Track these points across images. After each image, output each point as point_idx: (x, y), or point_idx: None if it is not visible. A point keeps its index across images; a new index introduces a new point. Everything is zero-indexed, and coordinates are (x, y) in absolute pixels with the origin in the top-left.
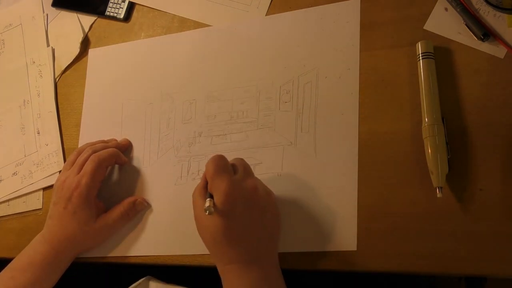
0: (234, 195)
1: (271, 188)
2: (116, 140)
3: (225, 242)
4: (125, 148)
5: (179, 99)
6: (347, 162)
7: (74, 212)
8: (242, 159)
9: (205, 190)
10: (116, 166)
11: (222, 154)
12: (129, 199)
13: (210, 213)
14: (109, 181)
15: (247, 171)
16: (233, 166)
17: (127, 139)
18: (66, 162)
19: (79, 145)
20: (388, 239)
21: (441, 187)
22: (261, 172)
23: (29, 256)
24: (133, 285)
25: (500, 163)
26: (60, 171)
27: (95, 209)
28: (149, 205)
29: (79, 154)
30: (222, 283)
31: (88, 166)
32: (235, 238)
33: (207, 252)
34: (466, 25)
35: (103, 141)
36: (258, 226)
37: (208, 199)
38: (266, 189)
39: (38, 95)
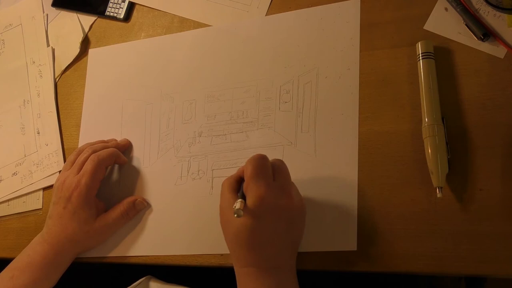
0: (268, 202)
1: None
2: (116, 140)
3: (247, 245)
4: (125, 148)
5: (179, 99)
6: (347, 162)
7: (74, 212)
8: (282, 162)
9: (237, 184)
10: (116, 166)
11: (264, 154)
12: (129, 199)
13: (238, 216)
14: (109, 181)
15: (286, 178)
16: (273, 167)
17: (127, 139)
18: (66, 162)
19: (79, 145)
20: (388, 239)
21: (441, 187)
22: None
23: (29, 256)
24: (133, 284)
25: (500, 163)
26: (60, 171)
27: (95, 208)
28: (149, 205)
29: (78, 154)
30: (237, 283)
31: (88, 166)
32: (258, 243)
33: (207, 252)
34: (466, 25)
35: (103, 141)
36: (283, 236)
37: (240, 200)
38: (301, 200)
39: (38, 95)
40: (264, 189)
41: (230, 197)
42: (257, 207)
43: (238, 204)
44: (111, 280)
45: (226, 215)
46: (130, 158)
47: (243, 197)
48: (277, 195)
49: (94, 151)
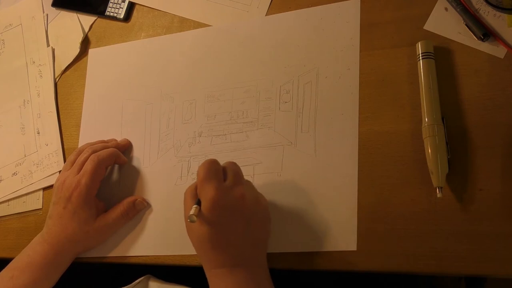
0: (220, 203)
1: (271, 189)
2: (116, 140)
3: (210, 247)
4: (125, 148)
5: (179, 99)
6: (347, 162)
7: (74, 212)
8: (234, 163)
9: (196, 191)
10: (116, 166)
11: (215, 158)
12: (129, 199)
13: (191, 221)
14: (109, 181)
15: (237, 177)
16: (224, 170)
17: (127, 139)
18: (66, 162)
19: (79, 145)
20: (388, 239)
21: (441, 187)
22: (261, 172)
23: (29, 256)
24: (132, 283)
25: (500, 163)
26: (60, 171)
27: (95, 208)
28: (149, 205)
29: (79, 154)
30: (209, 286)
31: (88, 166)
32: (219, 244)
33: None
34: (466, 25)
35: (103, 141)
36: (242, 233)
37: (194, 206)
38: (255, 196)
39: (38, 95)
40: (214, 191)
41: (190, 204)
42: (210, 211)
43: (192, 210)
44: (111, 280)
45: (188, 227)
46: (130, 158)
47: (199, 203)
48: (228, 195)
49: (94, 151)
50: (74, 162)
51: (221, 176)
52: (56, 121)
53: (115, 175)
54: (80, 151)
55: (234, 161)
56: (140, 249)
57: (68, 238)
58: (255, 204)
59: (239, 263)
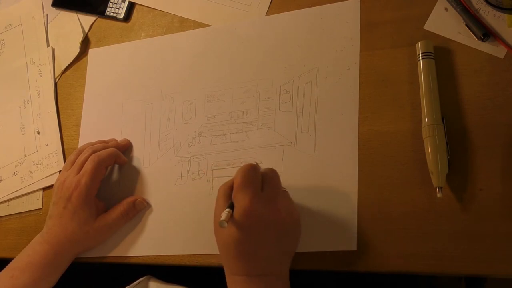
0: (254, 213)
1: None
2: (116, 140)
3: (235, 254)
4: (125, 148)
5: (179, 99)
6: (347, 162)
7: (74, 212)
8: (273, 171)
9: (231, 191)
10: (116, 166)
11: (255, 164)
12: (129, 199)
13: (222, 227)
14: (109, 181)
15: (275, 189)
16: (263, 177)
17: (127, 139)
18: (66, 162)
19: (79, 145)
20: (388, 239)
21: (441, 187)
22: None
23: (29, 255)
24: (132, 284)
25: (500, 163)
26: (60, 171)
27: (95, 208)
28: (149, 205)
29: (79, 154)
30: None
31: (88, 166)
32: (246, 252)
33: (207, 252)
34: (466, 25)
35: (103, 141)
36: (272, 247)
37: (227, 210)
38: (290, 210)
39: (38, 95)
40: (249, 201)
41: (223, 204)
42: (242, 219)
43: (224, 215)
44: (111, 280)
45: (216, 230)
46: (130, 158)
47: (232, 206)
48: (264, 207)
49: (94, 151)
50: (74, 162)
51: (259, 185)
52: (56, 121)
53: (115, 175)
54: (80, 151)
55: (273, 168)
56: (140, 249)
57: (68, 238)
58: (289, 218)
59: (262, 273)
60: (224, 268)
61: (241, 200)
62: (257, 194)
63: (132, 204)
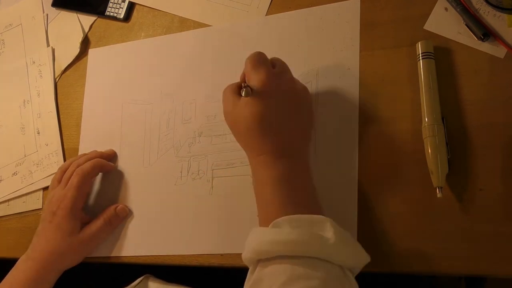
0: (272, 84)
1: None
2: (97, 151)
3: (259, 131)
4: (110, 157)
5: (179, 99)
6: (347, 162)
7: (58, 225)
8: (279, 58)
9: (239, 89)
10: (116, 166)
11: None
12: (111, 207)
13: (247, 95)
14: (109, 182)
15: (285, 67)
16: (272, 62)
17: (112, 150)
18: (52, 180)
19: (79, 145)
20: (388, 239)
21: (441, 187)
22: None
23: (13, 275)
24: (133, 284)
25: (500, 163)
26: None
27: (80, 220)
28: (131, 212)
29: (64, 171)
30: (252, 175)
31: (74, 180)
32: (270, 127)
33: (207, 252)
34: (466, 25)
35: (84, 154)
36: (292, 119)
37: (246, 85)
38: (303, 86)
39: (38, 95)
40: (265, 74)
41: (234, 98)
42: (263, 90)
43: (245, 86)
44: (111, 280)
45: (233, 114)
46: (130, 159)
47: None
48: (279, 79)
49: (78, 165)
50: (60, 179)
51: (270, 63)
52: (56, 121)
53: (115, 176)
54: (65, 168)
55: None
56: (140, 249)
57: (51, 251)
58: (304, 91)
59: (287, 152)
60: (248, 153)
61: (256, 77)
62: (271, 70)
63: (114, 212)
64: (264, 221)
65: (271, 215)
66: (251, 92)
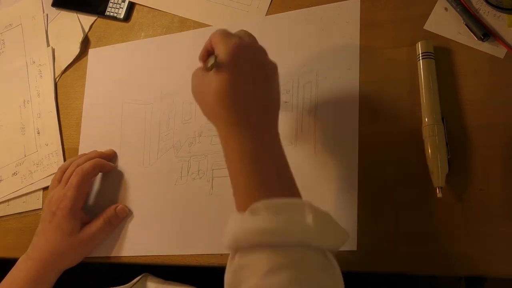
0: (243, 51)
1: None
2: (97, 151)
3: (229, 101)
4: (110, 157)
5: (179, 99)
6: (347, 162)
7: (58, 224)
8: (247, 31)
9: (204, 58)
10: (116, 166)
11: None
12: (111, 207)
13: (211, 67)
14: (109, 182)
15: (253, 37)
16: (239, 35)
17: (112, 150)
18: (52, 180)
19: (79, 145)
20: (388, 239)
21: (441, 187)
22: None
23: (13, 275)
24: (131, 282)
25: (500, 163)
26: None
27: (80, 220)
28: (131, 212)
29: (63, 171)
30: (223, 151)
31: (73, 180)
32: (240, 97)
33: (207, 252)
34: (466, 25)
35: (84, 154)
36: (263, 92)
37: (212, 56)
38: (274, 61)
39: (38, 95)
40: (237, 40)
41: (202, 73)
42: (232, 56)
43: (210, 59)
44: (111, 280)
45: (201, 84)
46: (130, 159)
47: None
48: (251, 46)
49: (78, 165)
50: (60, 179)
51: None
52: (56, 121)
53: (115, 176)
54: (65, 168)
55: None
56: (140, 249)
57: (51, 251)
58: (274, 65)
59: (258, 126)
60: (218, 126)
61: (225, 44)
62: (242, 40)
63: (114, 211)
64: (241, 202)
65: (248, 197)
66: (214, 64)
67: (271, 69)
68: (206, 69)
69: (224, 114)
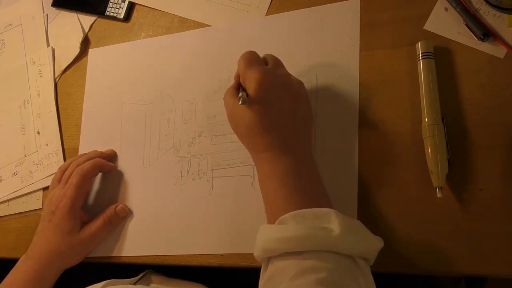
0: (267, 82)
1: None
2: (97, 151)
3: (260, 130)
4: (110, 157)
5: (179, 99)
6: (347, 162)
7: (58, 224)
8: (272, 54)
9: (236, 90)
10: (116, 166)
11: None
12: (111, 206)
13: (243, 103)
14: (109, 182)
15: (278, 62)
16: (264, 59)
17: (112, 150)
18: (52, 180)
19: (80, 145)
20: (388, 239)
21: (441, 187)
22: None
23: (13, 275)
24: (137, 277)
25: (500, 163)
26: None
27: (79, 220)
28: (131, 212)
29: (63, 171)
30: (257, 174)
31: (73, 179)
32: (270, 125)
33: (207, 252)
34: (466, 25)
35: (84, 154)
36: (291, 113)
37: (242, 92)
38: (298, 79)
39: (38, 95)
40: (259, 73)
41: (234, 101)
42: (259, 91)
43: (240, 94)
44: (108, 277)
45: (234, 115)
46: (130, 159)
47: (244, 90)
48: (273, 75)
49: (78, 165)
50: (60, 179)
51: (262, 61)
52: (56, 121)
53: (115, 176)
54: (65, 168)
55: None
56: (140, 249)
57: (51, 251)
58: (299, 84)
59: (289, 146)
60: (251, 153)
61: (251, 78)
62: (264, 68)
63: (114, 211)
64: (271, 218)
65: (278, 211)
66: (247, 99)
67: (296, 89)
68: (238, 103)
69: (257, 141)
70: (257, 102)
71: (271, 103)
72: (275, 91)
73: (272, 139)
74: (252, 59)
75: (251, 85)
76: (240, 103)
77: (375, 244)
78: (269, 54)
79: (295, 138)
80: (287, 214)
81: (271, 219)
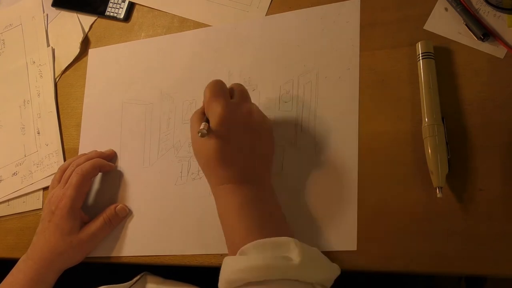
0: (229, 118)
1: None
2: (97, 151)
3: (218, 164)
4: (110, 157)
5: (179, 99)
6: (347, 162)
7: (57, 224)
8: (240, 84)
9: (203, 115)
10: (116, 166)
11: (220, 79)
12: (111, 206)
13: (202, 136)
14: (109, 182)
15: (243, 95)
16: (231, 90)
17: (112, 150)
18: (52, 180)
19: (80, 145)
20: (388, 239)
21: (441, 187)
22: None
23: (13, 275)
24: (132, 281)
25: (500, 163)
26: None
27: (79, 220)
28: (131, 211)
29: (63, 171)
30: (216, 206)
31: (73, 179)
32: (228, 159)
33: (207, 252)
34: (466, 25)
35: (84, 154)
36: (250, 149)
37: (204, 123)
38: (262, 114)
39: (38, 95)
40: (222, 107)
41: (197, 126)
42: (219, 125)
43: (202, 125)
44: (111, 280)
45: (197, 143)
46: (130, 158)
47: (208, 121)
48: (236, 111)
49: (78, 165)
50: (60, 179)
51: (228, 94)
52: (56, 121)
53: (115, 176)
54: (65, 168)
55: (238, 83)
56: (140, 249)
57: (51, 251)
58: (262, 120)
59: (247, 179)
60: (211, 183)
61: (214, 110)
62: (228, 101)
63: (114, 211)
64: (232, 249)
65: (239, 242)
66: (206, 133)
67: (258, 126)
68: (199, 133)
69: (214, 173)
70: (216, 136)
71: (231, 139)
72: (236, 128)
73: (230, 172)
74: (218, 90)
75: (213, 118)
76: (199, 135)
77: (333, 271)
78: (236, 84)
79: (254, 171)
80: (248, 244)
81: (232, 251)
